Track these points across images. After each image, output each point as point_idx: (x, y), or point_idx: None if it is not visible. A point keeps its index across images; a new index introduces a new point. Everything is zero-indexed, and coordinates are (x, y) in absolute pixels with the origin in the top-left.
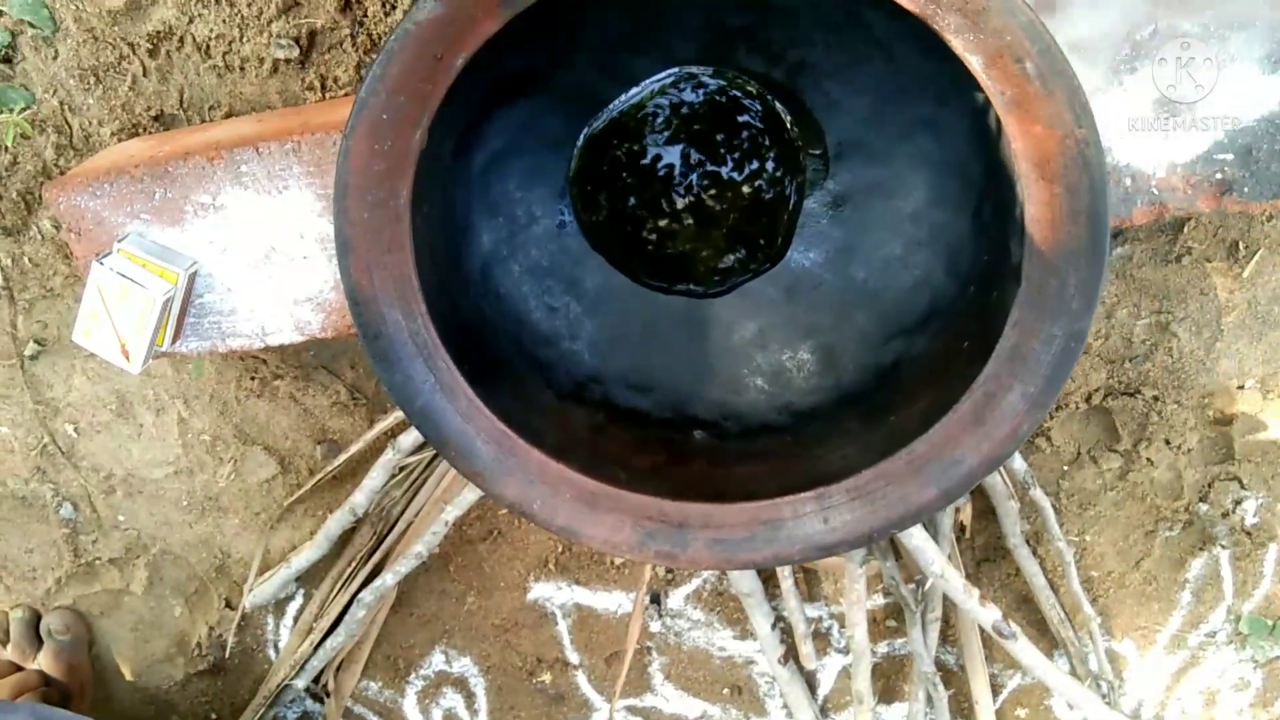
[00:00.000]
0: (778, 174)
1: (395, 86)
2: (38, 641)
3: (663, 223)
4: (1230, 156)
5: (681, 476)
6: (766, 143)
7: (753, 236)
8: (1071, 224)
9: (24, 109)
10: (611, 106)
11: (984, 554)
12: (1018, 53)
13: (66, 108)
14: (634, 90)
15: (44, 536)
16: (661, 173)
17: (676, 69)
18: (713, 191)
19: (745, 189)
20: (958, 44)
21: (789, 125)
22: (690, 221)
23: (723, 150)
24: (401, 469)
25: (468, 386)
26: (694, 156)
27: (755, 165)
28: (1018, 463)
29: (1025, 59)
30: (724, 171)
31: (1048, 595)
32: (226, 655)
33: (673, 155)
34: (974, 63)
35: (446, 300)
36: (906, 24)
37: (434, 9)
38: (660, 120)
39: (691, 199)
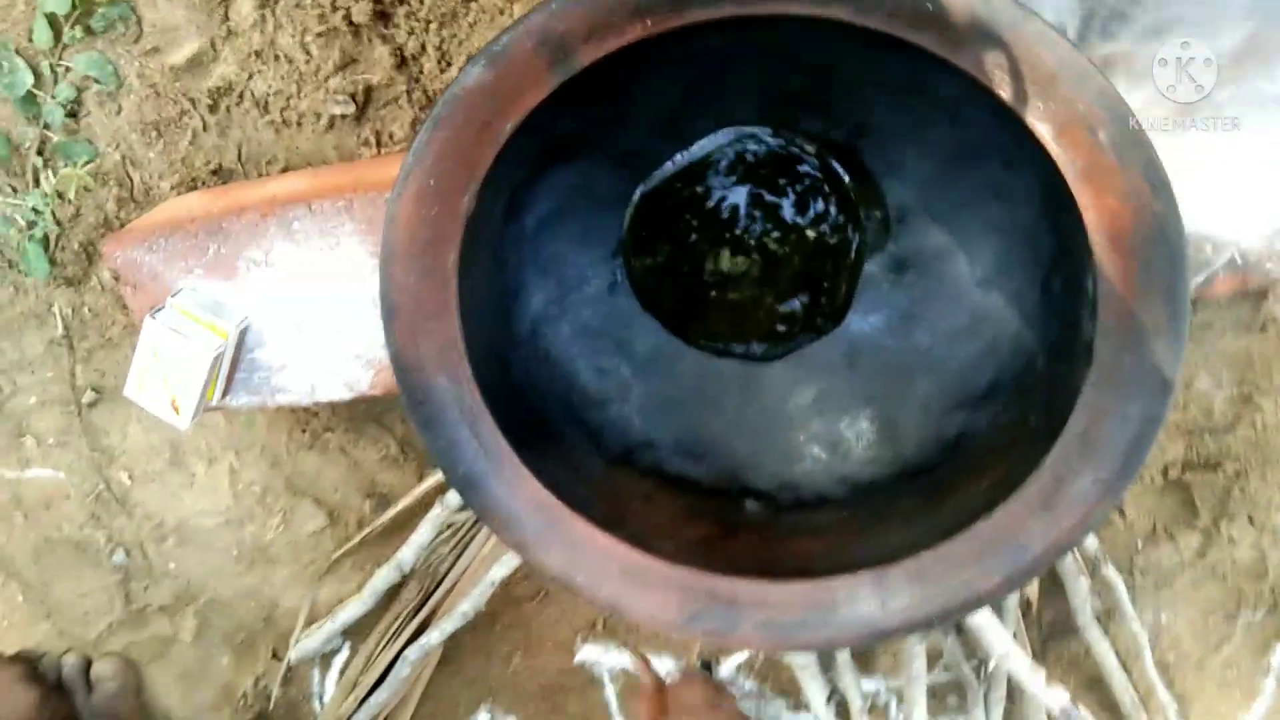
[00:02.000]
0: (840, 220)
1: (442, 152)
2: (88, 687)
3: (726, 264)
4: None
5: (732, 550)
6: (827, 190)
7: (817, 281)
8: (1147, 301)
9: (87, 162)
10: (666, 167)
11: (1051, 631)
12: (1090, 122)
13: (128, 161)
14: (691, 150)
15: (96, 582)
16: (726, 214)
17: (734, 130)
18: (777, 234)
19: (810, 233)
20: (1027, 112)
21: (847, 184)
22: (755, 262)
23: (787, 193)
24: (449, 525)
25: (513, 453)
26: (762, 198)
27: (820, 208)
28: (1088, 539)
29: (1098, 128)
30: (788, 214)
31: (1120, 678)
32: (271, 706)
33: (738, 196)
34: (1043, 131)
35: (494, 363)
36: (973, 88)
37: (481, 75)
38: (725, 164)
39: (756, 240)
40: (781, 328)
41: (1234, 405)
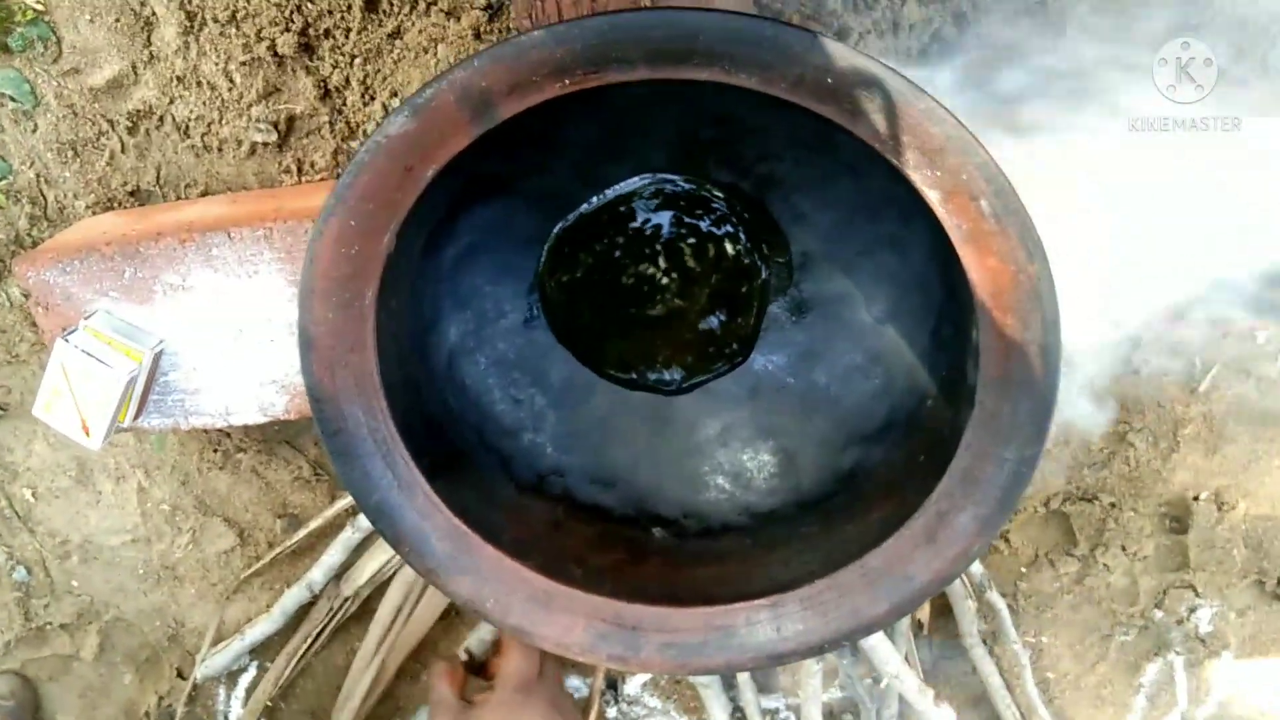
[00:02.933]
0: (749, 245)
1: (364, 195)
2: None
3: (649, 271)
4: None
5: (640, 576)
6: (735, 221)
7: (733, 299)
8: (1023, 354)
9: (0, 179)
10: (582, 208)
11: (942, 652)
12: (972, 190)
13: (43, 179)
14: (605, 194)
15: None
16: (649, 231)
17: (650, 176)
18: (695, 253)
19: (728, 247)
20: (916, 178)
21: (754, 226)
22: (675, 277)
23: (704, 219)
24: (360, 546)
25: (425, 483)
26: (683, 219)
27: (730, 230)
28: (975, 565)
29: (980, 197)
30: (706, 233)
31: (1003, 696)
32: None
33: (662, 218)
34: (931, 196)
35: (409, 394)
36: (872, 150)
37: (405, 124)
38: (648, 193)
39: (676, 256)
40: (704, 346)
41: (1110, 442)
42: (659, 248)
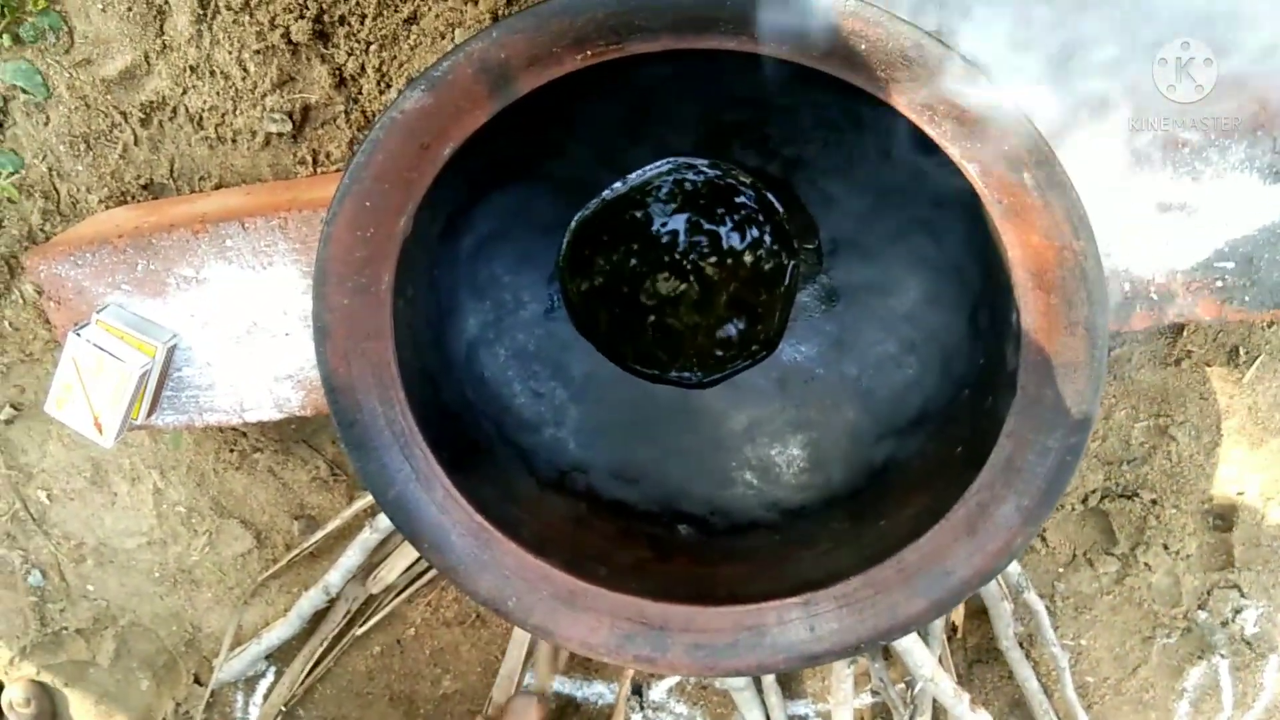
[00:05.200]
0: (775, 248)
1: (379, 174)
2: None
3: (665, 287)
4: (1231, 265)
5: (664, 574)
6: (762, 219)
7: (752, 306)
8: (1068, 335)
9: (12, 173)
10: (604, 194)
11: (976, 655)
12: (1015, 163)
13: (55, 173)
14: (629, 179)
15: (10, 604)
16: (665, 240)
17: (672, 160)
18: (714, 260)
19: (747, 258)
20: (955, 151)
21: (782, 214)
22: (693, 286)
23: (725, 221)
24: (378, 548)
25: (445, 476)
26: (701, 224)
27: (755, 235)
28: (1011, 565)
29: (1023, 169)
30: (725, 241)
31: (1041, 700)
32: None
33: (677, 223)
34: (971, 170)
35: (427, 385)
36: (904, 126)
37: (421, 99)
38: (665, 192)
39: (693, 265)
40: (719, 352)
41: (1150, 436)
42: (676, 257)
